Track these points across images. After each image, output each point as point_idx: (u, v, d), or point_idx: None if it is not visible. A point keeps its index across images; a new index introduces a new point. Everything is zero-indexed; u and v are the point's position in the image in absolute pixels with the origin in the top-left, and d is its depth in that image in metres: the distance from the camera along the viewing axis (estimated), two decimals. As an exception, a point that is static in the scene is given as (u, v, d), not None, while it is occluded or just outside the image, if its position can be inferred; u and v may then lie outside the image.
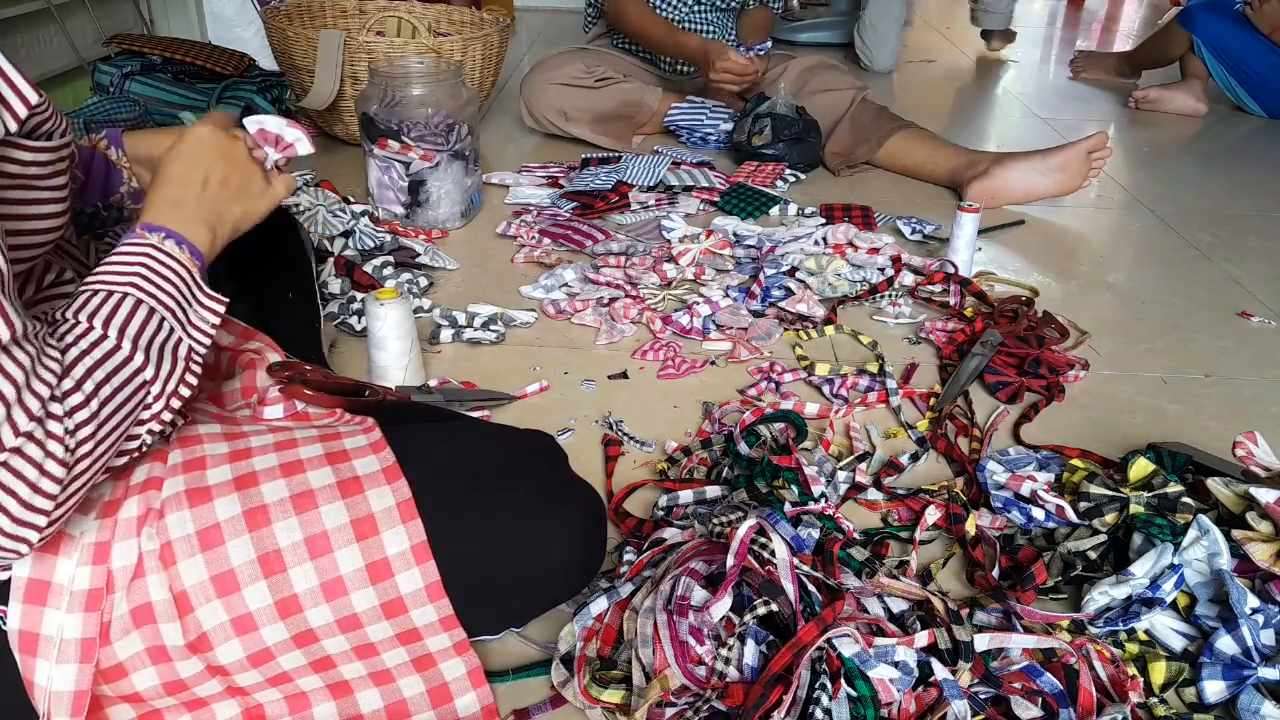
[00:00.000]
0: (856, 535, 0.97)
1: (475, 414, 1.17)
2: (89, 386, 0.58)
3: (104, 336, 0.60)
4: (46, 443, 0.55)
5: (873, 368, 1.30)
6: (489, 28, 2.25)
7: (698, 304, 1.43)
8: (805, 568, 0.84)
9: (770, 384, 1.27)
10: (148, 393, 0.62)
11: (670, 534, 0.93)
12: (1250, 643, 0.80)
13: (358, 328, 1.37)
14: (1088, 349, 1.41)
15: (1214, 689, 0.80)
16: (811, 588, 0.82)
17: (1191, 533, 0.90)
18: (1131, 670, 0.82)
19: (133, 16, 2.61)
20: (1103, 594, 0.87)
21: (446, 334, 1.36)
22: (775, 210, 1.85)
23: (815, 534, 0.91)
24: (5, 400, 0.53)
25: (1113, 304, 1.57)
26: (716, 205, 1.87)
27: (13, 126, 0.57)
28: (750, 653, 0.77)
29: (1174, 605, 0.88)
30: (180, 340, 0.65)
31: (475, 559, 0.70)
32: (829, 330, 1.42)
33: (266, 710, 0.70)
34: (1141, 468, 1.00)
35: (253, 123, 0.82)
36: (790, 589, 0.79)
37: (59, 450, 0.55)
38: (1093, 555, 0.92)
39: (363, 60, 1.99)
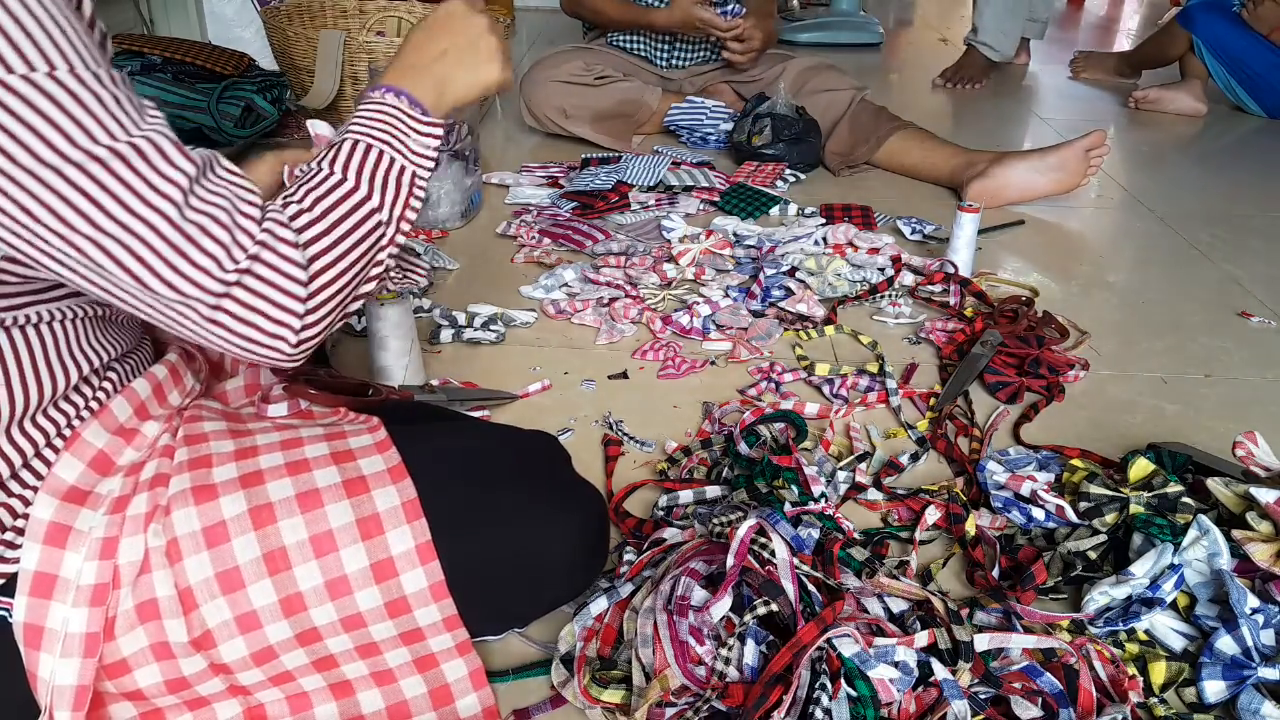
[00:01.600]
0: (856, 535, 0.97)
1: (475, 414, 1.17)
2: (318, 209, 0.66)
3: (330, 173, 0.69)
4: (279, 248, 0.61)
5: (873, 368, 1.30)
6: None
7: (698, 304, 1.43)
8: (805, 568, 0.84)
9: (770, 384, 1.27)
10: (376, 218, 0.70)
11: (670, 534, 0.93)
12: (1250, 643, 0.80)
13: (358, 328, 1.37)
14: (1088, 349, 1.41)
15: (1214, 689, 0.80)
16: (811, 588, 0.82)
17: (1191, 533, 0.90)
18: (1131, 670, 0.82)
19: (133, 16, 2.61)
20: (1103, 594, 0.87)
21: (446, 334, 1.37)
22: (775, 210, 1.85)
23: (815, 534, 0.91)
24: (223, 224, 0.59)
25: (1113, 304, 1.57)
26: (716, 205, 1.87)
27: None
28: (750, 653, 0.77)
29: (1174, 605, 0.88)
30: (404, 168, 0.72)
31: (479, 559, 0.70)
32: (829, 330, 1.42)
33: (268, 710, 0.70)
34: (1141, 468, 1.00)
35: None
36: (790, 589, 0.79)
37: (295, 255, 0.62)
38: (1093, 555, 0.93)
39: (363, 60, 1.99)
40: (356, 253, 0.68)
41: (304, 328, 0.63)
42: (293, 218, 0.64)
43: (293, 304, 0.62)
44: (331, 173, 0.69)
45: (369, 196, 0.69)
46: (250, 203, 0.61)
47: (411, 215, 0.73)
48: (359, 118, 0.73)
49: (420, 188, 0.74)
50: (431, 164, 0.75)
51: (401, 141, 0.73)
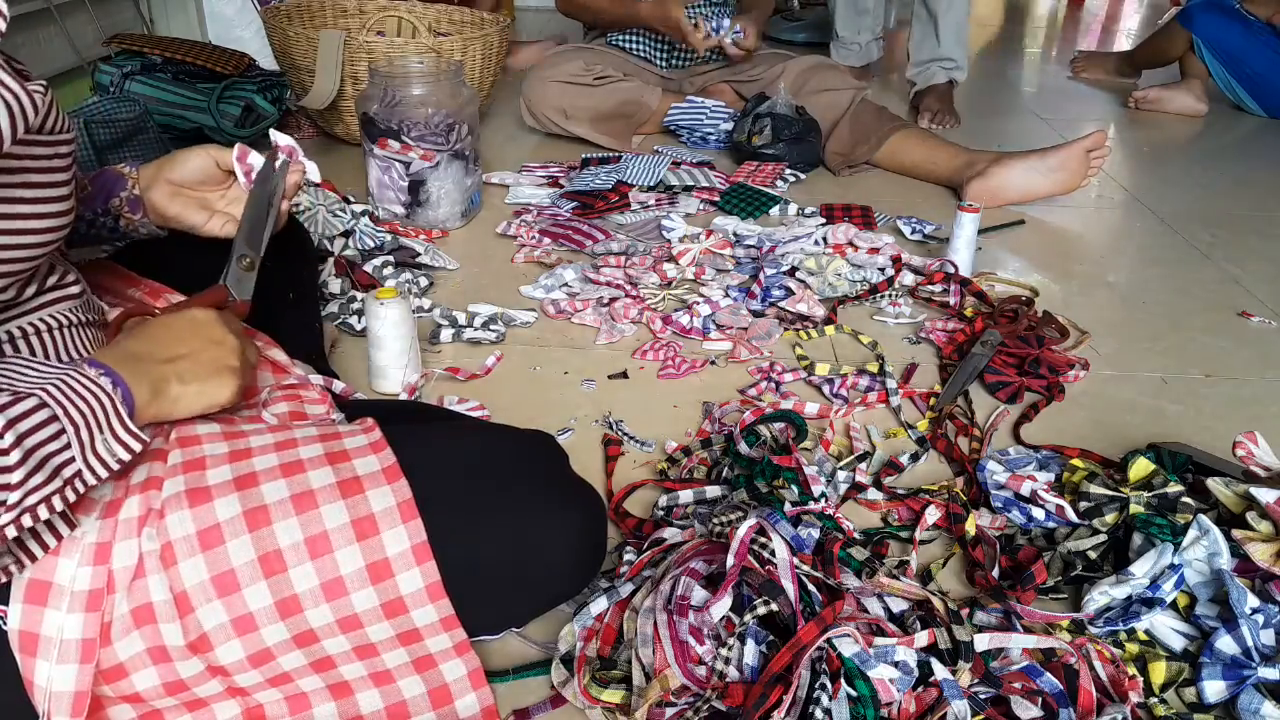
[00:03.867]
0: (856, 535, 0.97)
1: (475, 414, 1.17)
2: None
3: None
4: None
5: (873, 368, 1.30)
6: (489, 28, 2.25)
7: (698, 304, 1.43)
8: (805, 568, 0.84)
9: (770, 384, 1.27)
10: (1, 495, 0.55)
11: (670, 534, 0.93)
12: (1250, 643, 0.80)
13: (358, 328, 1.37)
14: (1088, 349, 1.41)
15: (1214, 689, 0.80)
16: (811, 588, 0.82)
17: (1191, 533, 0.90)
18: (1131, 670, 0.82)
19: (133, 16, 2.61)
20: (1103, 594, 0.87)
21: (446, 334, 1.36)
22: (775, 210, 1.85)
23: (815, 534, 0.91)
24: None
25: (1113, 304, 1.57)
26: (716, 205, 1.87)
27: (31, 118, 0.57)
28: (750, 653, 0.77)
29: (1174, 605, 0.88)
30: (71, 460, 0.59)
31: (476, 559, 0.69)
32: (829, 330, 1.42)
33: (267, 711, 0.70)
34: (1141, 468, 1.00)
35: (275, 135, 0.93)
36: (790, 589, 0.79)
37: None
38: (1093, 555, 0.92)
39: (363, 60, 1.99)
40: None
41: None
42: None
43: None
44: None
45: (11, 469, 0.54)
46: None
47: (44, 513, 0.57)
48: (63, 383, 0.60)
49: (78, 491, 0.59)
50: (106, 474, 0.61)
51: (91, 436, 0.60)
